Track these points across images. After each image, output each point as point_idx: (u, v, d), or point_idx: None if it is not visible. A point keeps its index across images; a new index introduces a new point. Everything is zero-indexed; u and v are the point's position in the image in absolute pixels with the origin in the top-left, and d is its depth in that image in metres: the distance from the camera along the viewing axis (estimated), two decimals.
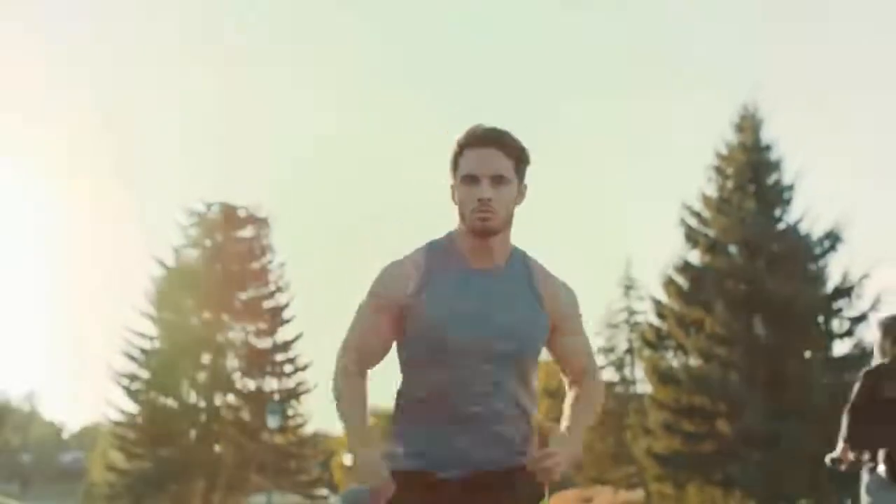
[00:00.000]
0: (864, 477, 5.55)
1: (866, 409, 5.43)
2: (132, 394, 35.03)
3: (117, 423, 35.59)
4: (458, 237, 2.94)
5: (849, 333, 28.31)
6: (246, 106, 72.75)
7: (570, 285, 3.02)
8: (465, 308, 2.85)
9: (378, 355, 2.99)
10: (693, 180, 37.23)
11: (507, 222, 2.89)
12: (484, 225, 2.84)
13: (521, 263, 2.95)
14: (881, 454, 5.43)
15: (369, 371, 3.01)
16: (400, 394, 2.97)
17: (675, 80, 70.07)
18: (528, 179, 2.92)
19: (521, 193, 2.92)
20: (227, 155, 67.97)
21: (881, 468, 5.44)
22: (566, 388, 3.11)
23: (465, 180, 2.85)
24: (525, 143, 2.93)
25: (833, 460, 5.62)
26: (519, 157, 2.89)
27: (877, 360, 5.59)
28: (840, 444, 5.55)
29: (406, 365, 2.94)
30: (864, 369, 5.56)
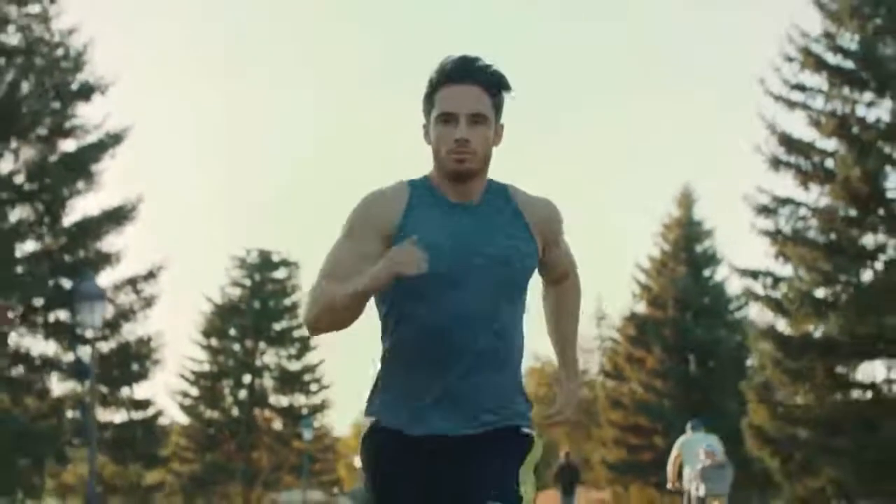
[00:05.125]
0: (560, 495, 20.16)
1: (556, 475, 20.51)
2: (185, 408, 40.57)
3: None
4: (434, 178, 2.69)
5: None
6: (270, 159, 75.88)
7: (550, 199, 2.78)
8: (449, 241, 2.61)
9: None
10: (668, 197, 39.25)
11: (485, 163, 2.64)
12: (462, 167, 2.59)
13: (502, 195, 2.72)
14: (560, 486, 20.33)
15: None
16: (384, 339, 2.71)
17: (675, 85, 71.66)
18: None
19: (497, 134, 2.67)
20: (264, 204, 72.63)
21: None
22: (543, 288, 2.93)
23: (441, 119, 2.60)
24: (504, 71, 2.67)
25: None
26: (499, 89, 2.65)
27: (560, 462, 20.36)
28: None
29: (391, 306, 2.67)
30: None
